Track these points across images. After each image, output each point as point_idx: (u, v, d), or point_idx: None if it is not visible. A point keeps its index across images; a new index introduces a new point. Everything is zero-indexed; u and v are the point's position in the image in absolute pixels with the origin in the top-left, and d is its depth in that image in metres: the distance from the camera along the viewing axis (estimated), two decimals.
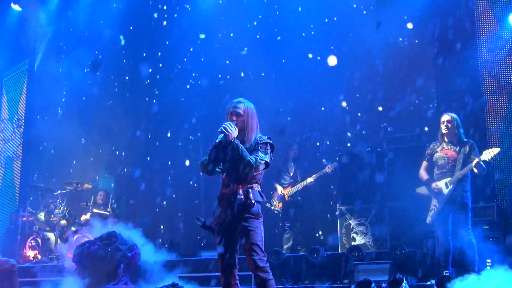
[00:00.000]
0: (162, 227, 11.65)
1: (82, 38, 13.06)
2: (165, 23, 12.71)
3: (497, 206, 8.52)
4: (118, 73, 13.17)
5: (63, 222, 11.03)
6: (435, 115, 9.65)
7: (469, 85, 9.33)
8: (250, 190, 4.84)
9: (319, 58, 11.22)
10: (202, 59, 12.09)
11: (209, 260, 8.62)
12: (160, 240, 9.45)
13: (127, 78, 13.11)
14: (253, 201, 4.80)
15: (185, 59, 12.44)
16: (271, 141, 5.00)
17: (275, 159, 9.76)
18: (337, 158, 9.92)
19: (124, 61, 13.09)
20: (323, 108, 11.29)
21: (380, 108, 10.85)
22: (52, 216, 11.10)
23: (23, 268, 9.19)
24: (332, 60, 10.97)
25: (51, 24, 13.63)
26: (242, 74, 11.89)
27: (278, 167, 10.08)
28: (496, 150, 6.94)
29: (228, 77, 11.96)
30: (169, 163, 12.59)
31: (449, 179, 7.05)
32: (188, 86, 12.40)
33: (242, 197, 4.79)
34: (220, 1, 12.17)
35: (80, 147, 13.16)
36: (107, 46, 12.92)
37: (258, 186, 4.95)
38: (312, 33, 11.27)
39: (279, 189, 9.89)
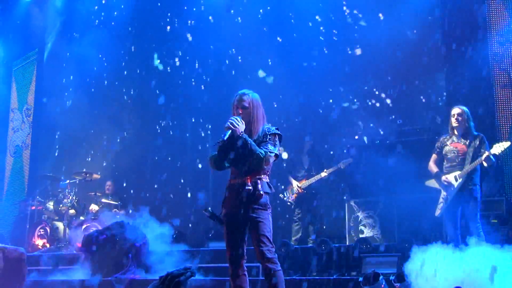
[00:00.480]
0: (170, 217, 11.65)
1: (91, 28, 13.06)
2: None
3: (506, 200, 8.49)
4: (127, 63, 13.16)
5: (71, 211, 11.09)
6: (444, 108, 9.60)
7: (479, 78, 9.26)
8: (258, 181, 4.83)
9: (325, 51, 11.18)
10: (212, 47, 12.05)
11: (217, 251, 8.62)
12: (168, 231, 9.45)
13: (138, 71, 13.10)
14: (261, 192, 4.79)
15: (192, 47, 12.40)
16: (279, 132, 4.99)
17: (289, 151, 9.84)
18: (345, 151, 9.89)
19: (133, 48, 13.08)
20: (331, 101, 11.25)
21: (389, 101, 10.80)
22: (61, 205, 11.16)
23: (32, 257, 9.25)
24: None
25: (61, 14, 13.65)
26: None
27: (292, 160, 10.08)
28: (506, 144, 6.90)
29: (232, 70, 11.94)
30: (178, 154, 12.61)
31: (458, 172, 7.03)
32: (193, 81, 12.40)
33: (251, 188, 4.79)
34: None
35: (89, 137, 13.20)
36: (116, 37, 12.92)
37: (267, 177, 4.94)
38: (322, 28, 11.21)
39: (294, 183, 9.88)
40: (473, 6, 9.60)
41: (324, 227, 10.58)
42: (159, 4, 12.79)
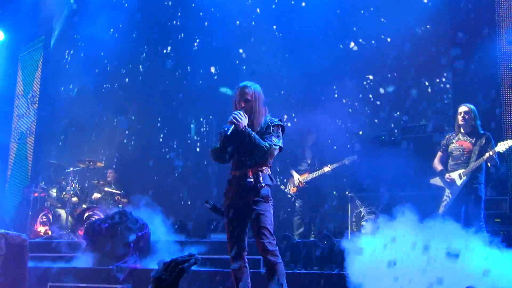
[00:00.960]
0: (172, 207, 11.66)
1: (98, 16, 13.03)
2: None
3: (510, 199, 8.46)
4: (134, 52, 13.15)
5: (74, 199, 11.10)
6: (450, 105, 9.57)
7: (486, 77, 9.22)
8: (260, 173, 4.82)
9: (331, 45, 11.13)
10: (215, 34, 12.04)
11: (218, 242, 8.62)
12: (170, 221, 9.45)
13: (144, 60, 13.08)
14: (263, 184, 4.78)
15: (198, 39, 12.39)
16: (282, 123, 4.97)
17: (293, 144, 9.81)
18: (348, 146, 9.86)
19: (139, 36, 13.07)
20: (336, 95, 11.21)
21: (394, 97, 10.76)
22: (64, 193, 11.17)
23: (34, 243, 9.26)
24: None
25: (68, 1, 13.62)
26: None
27: (295, 153, 10.05)
28: (511, 142, 6.88)
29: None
30: (182, 144, 12.61)
31: (462, 170, 7.01)
32: (200, 71, 12.37)
33: (252, 180, 4.77)
34: None
35: (93, 125, 13.20)
36: (123, 25, 12.91)
37: (268, 169, 4.93)
38: (328, 22, 11.16)
39: (296, 176, 9.85)
40: (482, 4, 9.54)
41: (326, 221, 10.56)
42: None
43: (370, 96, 10.97)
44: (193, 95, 12.29)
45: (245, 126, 4.74)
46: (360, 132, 10.77)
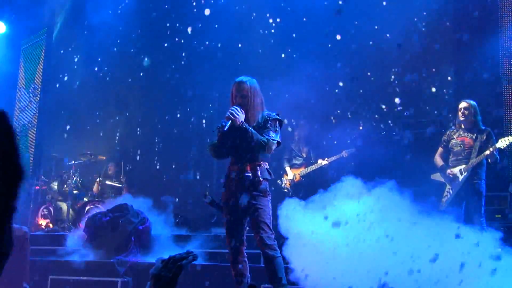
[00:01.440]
0: (173, 201, 11.69)
1: (100, 9, 13.02)
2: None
3: (510, 196, 8.46)
4: (135, 45, 13.14)
5: (75, 192, 11.12)
6: (452, 100, 9.56)
7: (488, 72, 9.21)
8: (258, 167, 4.84)
9: (333, 40, 11.10)
10: (216, 26, 11.98)
11: (218, 236, 8.63)
12: (171, 215, 9.47)
13: (146, 53, 13.07)
14: (261, 179, 4.80)
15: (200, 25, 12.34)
16: (279, 117, 4.98)
17: (286, 139, 9.79)
18: (348, 141, 9.85)
19: (141, 31, 13.05)
20: (336, 91, 11.18)
21: (396, 92, 10.74)
22: (65, 186, 11.19)
23: (35, 236, 9.28)
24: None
25: None
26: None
27: (289, 147, 10.03)
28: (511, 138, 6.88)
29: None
30: (184, 137, 12.61)
31: (463, 166, 7.02)
32: (207, 66, 12.36)
33: (250, 174, 4.79)
34: None
35: (95, 118, 13.21)
36: (125, 19, 12.88)
37: (266, 163, 4.94)
38: (329, 17, 11.12)
39: (289, 172, 9.84)
40: (485, 0, 9.52)
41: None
42: None
43: (373, 91, 10.94)
44: (196, 88, 12.28)
45: (242, 121, 4.74)
46: (360, 127, 10.75)
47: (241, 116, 4.76)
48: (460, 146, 7.13)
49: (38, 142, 13.37)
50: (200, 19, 12.20)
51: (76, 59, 13.57)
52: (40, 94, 13.71)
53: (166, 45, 12.61)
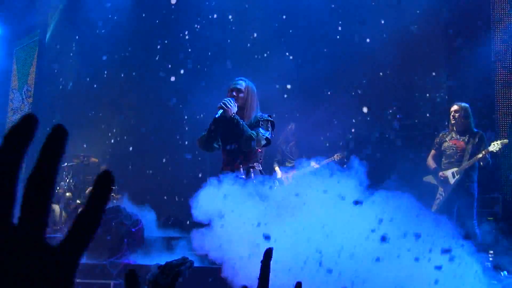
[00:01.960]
0: (166, 203, 11.66)
1: (93, 11, 13.00)
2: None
3: (503, 198, 8.50)
4: (129, 47, 13.12)
5: (68, 194, 11.09)
6: (445, 103, 9.59)
7: (480, 75, 9.25)
8: (251, 169, 4.84)
9: (326, 43, 11.12)
10: (215, 26, 12.01)
11: None
12: (164, 217, 9.46)
13: (139, 55, 13.06)
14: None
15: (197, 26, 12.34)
16: (271, 119, 5.00)
17: (277, 140, 9.79)
18: (340, 143, 9.86)
19: (135, 32, 13.04)
20: (329, 93, 11.20)
21: (389, 95, 10.77)
22: (58, 188, 11.15)
23: None
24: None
25: None
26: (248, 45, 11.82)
27: (281, 149, 10.02)
28: (504, 141, 6.92)
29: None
30: (178, 139, 12.58)
31: (456, 169, 7.04)
32: (198, 66, 12.35)
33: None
34: None
35: (88, 120, 13.17)
36: (118, 20, 12.87)
37: (259, 165, 4.95)
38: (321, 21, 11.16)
39: (279, 171, 9.83)
40: (477, 3, 9.57)
41: None
42: None
43: (366, 93, 10.95)
44: (190, 91, 12.26)
45: (233, 113, 4.77)
46: (353, 130, 10.77)
47: (233, 108, 4.79)
48: (453, 149, 7.15)
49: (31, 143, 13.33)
50: (198, 21, 12.22)
51: (69, 61, 13.54)
52: (33, 95, 13.69)
53: (159, 47, 12.60)
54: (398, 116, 10.34)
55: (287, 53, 11.38)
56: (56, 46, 13.61)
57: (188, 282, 6.62)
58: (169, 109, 12.63)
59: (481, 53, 9.30)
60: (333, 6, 10.98)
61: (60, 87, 13.42)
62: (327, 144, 10.28)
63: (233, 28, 11.76)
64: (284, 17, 11.48)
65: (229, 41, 11.81)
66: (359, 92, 10.98)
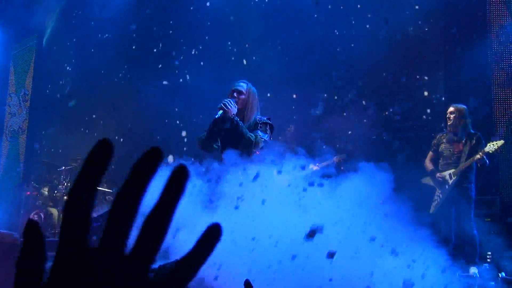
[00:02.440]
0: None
1: (91, 15, 13.00)
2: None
3: (500, 199, 8.50)
4: (126, 50, 13.12)
5: (66, 198, 11.07)
6: (442, 105, 9.60)
7: (478, 77, 9.26)
8: None
9: (323, 43, 11.12)
10: (209, 23, 12.01)
11: None
12: None
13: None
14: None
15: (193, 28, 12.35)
16: (270, 122, 5.02)
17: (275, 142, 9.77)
18: (337, 145, 9.85)
19: (133, 34, 13.05)
20: (325, 95, 11.20)
21: (386, 96, 10.77)
22: (56, 191, 11.15)
23: None
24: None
25: (61, 0, 13.60)
26: (247, 45, 11.82)
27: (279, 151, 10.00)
28: (500, 143, 6.93)
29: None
30: (176, 141, 12.58)
31: (453, 170, 7.05)
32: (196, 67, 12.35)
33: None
34: None
35: (86, 124, 13.17)
36: (116, 23, 12.87)
37: None
38: (319, 20, 11.15)
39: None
40: (474, 4, 9.59)
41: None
42: None
43: (363, 95, 10.95)
44: (188, 93, 12.26)
45: (233, 114, 4.79)
46: (349, 132, 10.76)
47: (233, 109, 4.82)
48: (450, 150, 7.16)
49: (29, 147, 13.34)
50: (196, 21, 12.23)
51: (66, 65, 13.54)
52: (30, 99, 13.69)
53: (155, 50, 12.61)
54: (396, 118, 10.34)
55: (285, 54, 11.38)
56: (53, 50, 13.61)
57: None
58: (167, 112, 12.63)
59: (478, 54, 9.31)
60: (329, 7, 10.99)
61: (58, 91, 13.42)
62: (324, 147, 10.27)
63: (232, 29, 11.76)
64: (282, 17, 11.50)
65: (229, 42, 11.81)
66: (356, 94, 10.99)
